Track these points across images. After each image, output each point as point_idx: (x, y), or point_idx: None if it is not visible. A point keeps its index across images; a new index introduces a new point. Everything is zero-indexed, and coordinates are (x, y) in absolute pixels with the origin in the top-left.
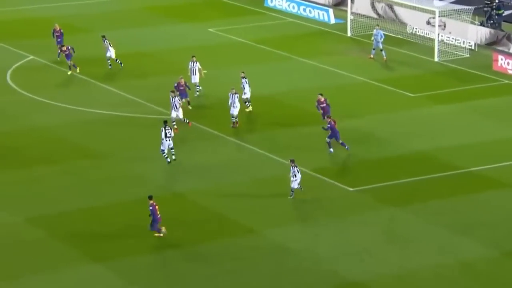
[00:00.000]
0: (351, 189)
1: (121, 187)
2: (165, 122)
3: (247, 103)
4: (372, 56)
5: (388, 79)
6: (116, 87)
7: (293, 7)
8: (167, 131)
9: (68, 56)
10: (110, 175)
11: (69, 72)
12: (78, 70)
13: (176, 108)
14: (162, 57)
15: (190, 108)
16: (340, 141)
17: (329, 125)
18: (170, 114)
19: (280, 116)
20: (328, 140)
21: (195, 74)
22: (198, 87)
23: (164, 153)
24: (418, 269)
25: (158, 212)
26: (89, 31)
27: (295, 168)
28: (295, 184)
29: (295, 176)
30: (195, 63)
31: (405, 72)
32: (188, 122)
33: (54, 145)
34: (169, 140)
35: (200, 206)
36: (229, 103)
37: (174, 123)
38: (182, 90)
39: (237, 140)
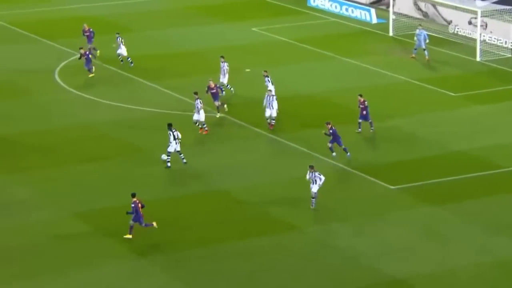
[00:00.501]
0: (392, 187)
1: (166, 182)
2: (170, 125)
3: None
4: (413, 55)
5: (430, 78)
6: (162, 86)
7: (336, 7)
8: (174, 134)
9: (88, 61)
10: (155, 171)
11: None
12: (91, 75)
13: (198, 110)
14: (206, 56)
15: (226, 109)
16: (343, 147)
17: (330, 131)
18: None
19: (322, 115)
20: (329, 145)
21: (224, 74)
22: (227, 87)
23: (169, 156)
24: (457, 268)
25: (140, 210)
26: (134, 30)
27: (315, 173)
28: (315, 188)
29: (316, 182)
30: (224, 63)
31: (447, 71)
32: (204, 128)
33: (100, 141)
34: (177, 143)
35: (242, 203)
36: (264, 104)
37: (197, 124)
38: (214, 93)
39: (279, 138)
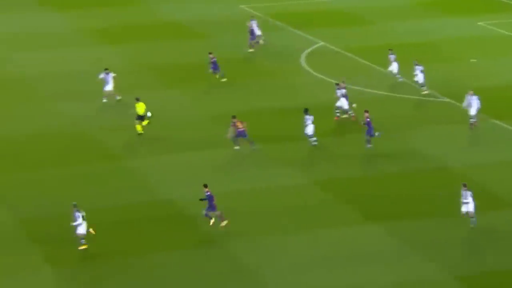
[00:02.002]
0: None
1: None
2: (306, 110)
3: (423, 87)
4: None
5: None
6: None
7: None
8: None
9: (214, 65)
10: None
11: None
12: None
13: (340, 99)
14: (436, 47)
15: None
16: (376, 133)
17: (367, 119)
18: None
19: None
20: (369, 136)
21: (392, 64)
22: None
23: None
24: None
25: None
26: (371, 23)
27: (467, 192)
28: (468, 208)
29: (468, 200)
30: (392, 55)
31: None
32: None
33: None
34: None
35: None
36: (465, 104)
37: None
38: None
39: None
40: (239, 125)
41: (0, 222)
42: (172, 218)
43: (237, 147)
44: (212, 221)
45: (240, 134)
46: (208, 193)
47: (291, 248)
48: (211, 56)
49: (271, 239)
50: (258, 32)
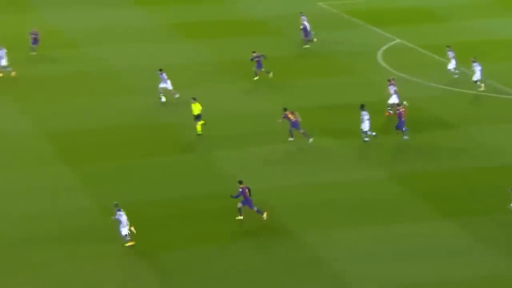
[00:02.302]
0: None
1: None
2: (362, 106)
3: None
4: None
5: None
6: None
7: None
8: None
9: (258, 63)
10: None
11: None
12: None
13: (392, 94)
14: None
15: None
16: (404, 128)
17: (398, 112)
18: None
19: None
20: (405, 129)
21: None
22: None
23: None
24: None
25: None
26: (447, 20)
27: None
28: None
29: None
30: (450, 51)
31: None
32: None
33: (416, 114)
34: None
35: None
36: None
37: (390, 108)
38: None
39: None
40: (291, 116)
41: (84, 210)
42: (247, 209)
43: (291, 139)
44: (265, 214)
45: (294, 125)
46: (241, 189)
47: (366, 241)
48: (254, 54)
49: (347, 231)
50: (308, 28)
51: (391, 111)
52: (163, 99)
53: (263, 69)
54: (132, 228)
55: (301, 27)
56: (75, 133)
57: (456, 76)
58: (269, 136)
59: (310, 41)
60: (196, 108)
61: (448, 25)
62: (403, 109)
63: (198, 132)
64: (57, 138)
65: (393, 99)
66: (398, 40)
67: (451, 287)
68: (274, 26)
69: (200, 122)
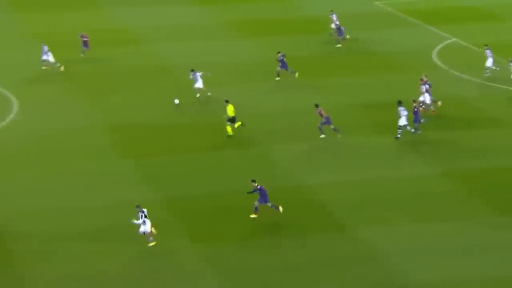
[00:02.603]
0: None
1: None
2: (399, 102)
3: None
4: None
5: None
6: None
7: None
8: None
9: (283, 63)
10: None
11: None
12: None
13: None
14: None
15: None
16: (422, 120)
17: (415, 109)
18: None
19: None
20: (423, 120)
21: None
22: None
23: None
24: None
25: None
26: (503, 19)
27: None
28: None
29: None
30: (488, 49)
31: None
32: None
33: (469, 112)
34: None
35: None
36: None
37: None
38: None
39: None
40: (324, 113)
41: (149, 201)
42: (301, 203)
43: (323, 136)
44: (280, 208)
45: (326, 122)
46: (258, 186)
47: (421, 235)
48: (279, 54)
49: (401, 226)
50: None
51: (423, 106)
52: (209, 93)
53: (288, 69)
54: (153, 229)
55: (333, 26)
56: (136, 126)
57: (488, 74)
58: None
59: (344, 39)
60: (230, 110)
61: (504, 24)
62: (423, 107)
63: (229, 134)
64: (118, 132)
65: (425, 97)
66: (453, 39)
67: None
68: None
69: (237, 124)
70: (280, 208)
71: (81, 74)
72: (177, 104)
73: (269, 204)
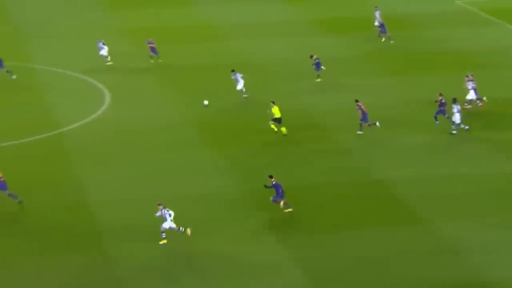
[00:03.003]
0: None
1: None
2: (454, 99)
3: None
4: None
5: None
6: None
7: None
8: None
9: (317, 65)
10: None
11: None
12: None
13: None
14: None
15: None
16: (447, 115)
17: (441, 101)
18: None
19: None
20: (444, 112)
21: None
22: None
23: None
24: None
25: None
26: None
27: None
28: None
29: None
30: None
31: None
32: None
33: None
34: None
35: None
36: None
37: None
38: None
39: None
40: (364, 108)
41: (230, 192)
42: (380, 197)
43: (360, 132)
44: (281, 204)
45: (363, 117)
46: (274, 182)
47: (503, 229)
48: (314, 57)
49: (477, 222)
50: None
51: (468, 106)
52: (245, 95)
53: (322, 67)
54: (188, 231)
55: (376, 23)
56: (218, 120)
57: None
58: (408, 127)
59: (389, 38)
60: (276, 111)
61: None
62: (441, 98)
63: (284, 133)
64: (202, 124)
65: (471, 95)
66: None
67: None
68: (412, 23)
69: (283, 129)
70: (291, 209)
71: (171, 68)
72: (206, 106)
73: (282, 202)
